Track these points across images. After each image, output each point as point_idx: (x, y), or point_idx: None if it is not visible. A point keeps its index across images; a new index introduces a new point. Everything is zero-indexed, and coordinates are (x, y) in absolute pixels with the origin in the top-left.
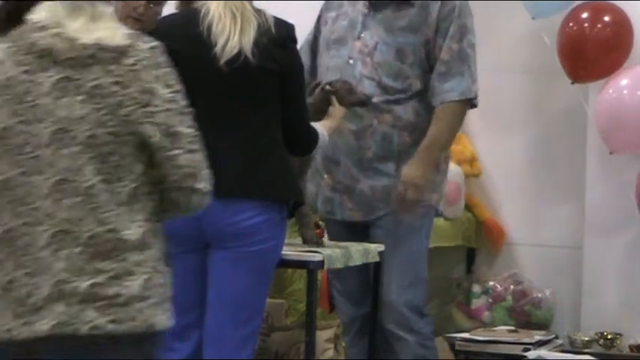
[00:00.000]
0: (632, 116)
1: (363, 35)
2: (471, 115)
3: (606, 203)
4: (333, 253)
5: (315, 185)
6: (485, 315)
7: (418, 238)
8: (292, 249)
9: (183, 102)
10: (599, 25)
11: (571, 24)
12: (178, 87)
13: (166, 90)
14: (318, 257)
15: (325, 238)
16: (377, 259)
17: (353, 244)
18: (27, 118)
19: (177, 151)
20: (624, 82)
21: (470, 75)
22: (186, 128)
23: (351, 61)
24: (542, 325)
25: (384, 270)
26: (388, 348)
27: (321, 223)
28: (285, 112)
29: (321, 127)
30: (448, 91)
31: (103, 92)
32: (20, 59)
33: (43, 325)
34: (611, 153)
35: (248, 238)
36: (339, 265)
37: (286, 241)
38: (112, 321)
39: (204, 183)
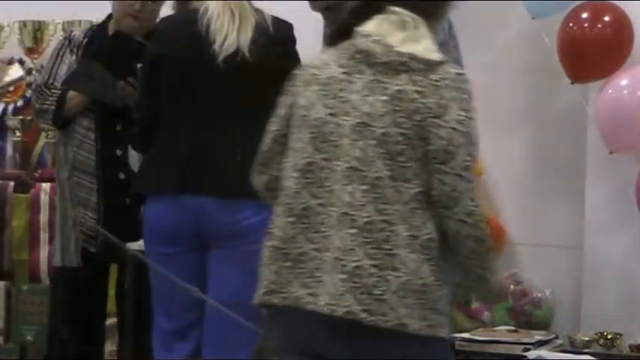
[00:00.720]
0: (632, 116)
1: None
2: None
3: (606, 203)
4: None
5: None
6: (486, 315)
7: None
8: None
9: (472, 130)
10: (599, 25)
11: (571, 24)
12: (473, 115)
13: (460, 111)
14: None
15: None
16: None
17: None
18: (336, 111)
19: (446, 169)
20: (624, 82)
21: None
22: (465, 154)
23: None
24: (542, 325)
25: None
26: None
27: None
28: None
29: None
30: None
31: (404, 97)
32: (343, 62)
33: (321, 301)
34: (611, 153)
35: (247, 237)
36: None
37: None
38: (365, 310)
39: (463, 212)
